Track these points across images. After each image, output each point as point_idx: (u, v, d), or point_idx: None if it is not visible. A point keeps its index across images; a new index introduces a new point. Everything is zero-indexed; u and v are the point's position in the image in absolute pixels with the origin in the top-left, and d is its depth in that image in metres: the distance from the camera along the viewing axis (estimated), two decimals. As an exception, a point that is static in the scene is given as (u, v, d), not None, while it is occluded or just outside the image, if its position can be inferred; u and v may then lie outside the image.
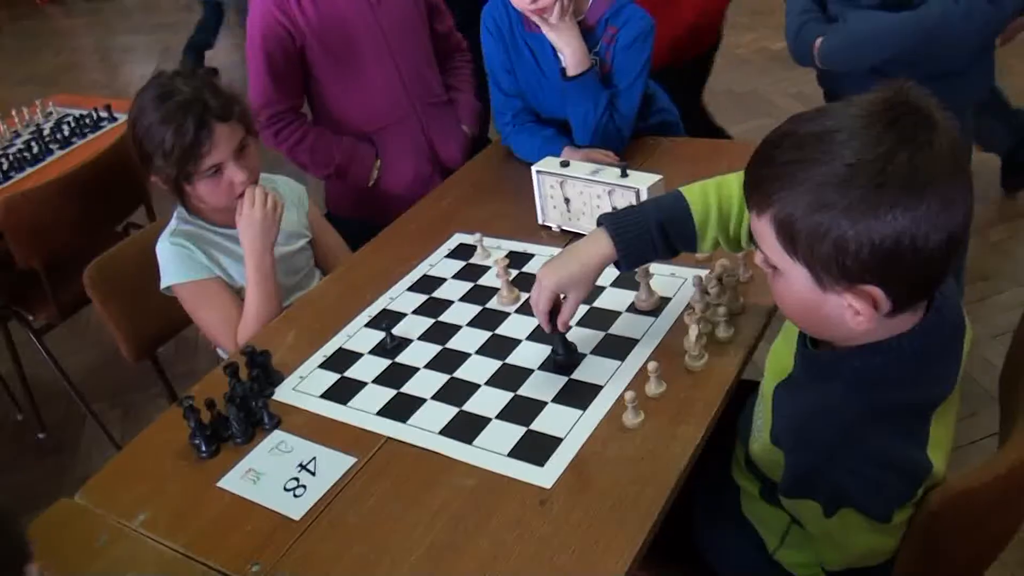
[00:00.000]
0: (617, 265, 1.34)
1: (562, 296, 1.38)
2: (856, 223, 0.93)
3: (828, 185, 0.93)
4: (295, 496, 1.27)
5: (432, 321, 1.59)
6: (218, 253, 1.75)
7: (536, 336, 1.50)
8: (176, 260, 1.71)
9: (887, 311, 0.99)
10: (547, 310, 1.37)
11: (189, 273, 1.71)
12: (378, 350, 1.54)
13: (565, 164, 1.74)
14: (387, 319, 1.58)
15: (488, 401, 1.36)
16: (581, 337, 1.46)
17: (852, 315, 0.99)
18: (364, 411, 1.40)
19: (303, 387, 1.49)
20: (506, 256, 1.64)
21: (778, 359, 1.21)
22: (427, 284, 1.70)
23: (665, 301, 1.51)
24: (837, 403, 1.04)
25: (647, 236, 1.32)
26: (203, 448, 1.37)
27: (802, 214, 0.95)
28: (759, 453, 1.22)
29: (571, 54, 1.89)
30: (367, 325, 1.61)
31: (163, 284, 1.73)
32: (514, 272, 1.67)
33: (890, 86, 0.96)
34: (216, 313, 1.71)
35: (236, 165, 1.67)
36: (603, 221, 1.35)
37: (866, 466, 1.03)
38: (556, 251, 1.69)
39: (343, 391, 1.46)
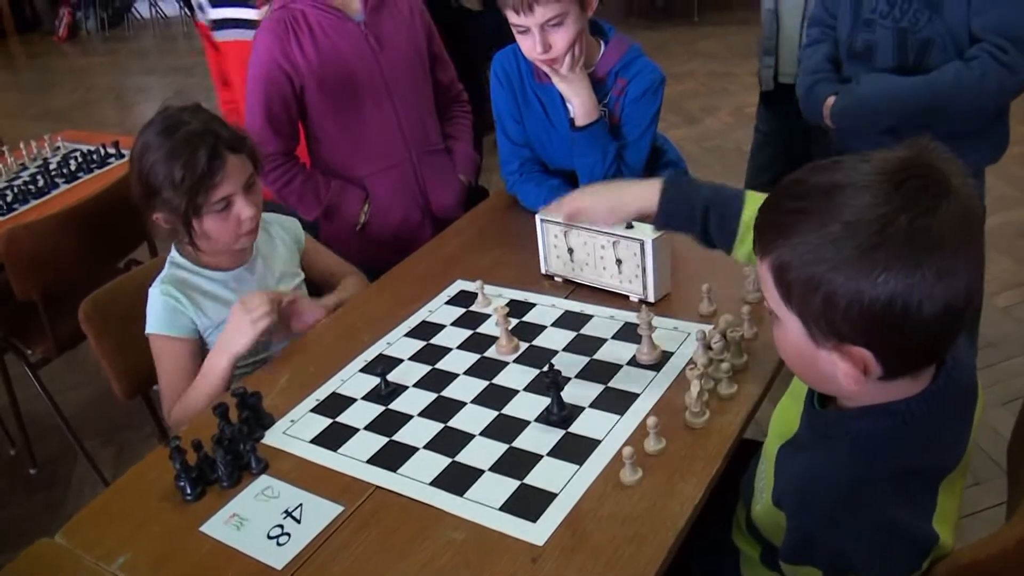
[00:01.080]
0: (653, 220, 1.40)
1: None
2: (848, 281, 0.91)
3: (824, 240, 0.92)
4: (278, 544, 1.24)
5: (428, 368, 1.57)
6: (206, 300, 1.73)
7: (534, 387, 1.48)
8: (161, 311, 1.70)
9: (879, 376, 0.97)
10: (564, 213, 1.49)
11: (166, 328, 1.70)
12: (372, 396, 1.52)
13: None
14: (383, 364, 1.56)
15: (482, 452, 1.34)
16: (580, 390, 1.45)
17: (843, 375, 0.97)
18: (354, 458, 1.38)
19: (293, 431, 1.47)
20: (506, 304, 1.63)
21: (784, 418, 1.18)
22: (425, 330, 1.69)
23: (667, 355, 1.50)
24: (841, 465, 1.01)
25: (690, 206, 1.35)
26: (188, 491, 1.35)
27: (797, 265, 0.94)
28: (761, 516, 1.19)
29: (580, 104, 1.89)
30: (362, 370, 1.60)
31: (147, 329, 1.72)
32: (514, 321, 1.66)
33: (912, 145, 0.94)
34: (167, 376, 1.71)
35: (245, 199, 1.66)
36: (664, 176, 1.42)
37: (870, 533, 1.00)
38: (558, 301, 1.71)
39: (334, 437, 1.44)
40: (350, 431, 1.44)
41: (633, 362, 1.50)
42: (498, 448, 1.35)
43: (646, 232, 1.62)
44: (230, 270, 1.77)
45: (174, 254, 1.76)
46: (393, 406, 1.49)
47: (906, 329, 0.91)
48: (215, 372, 1.63)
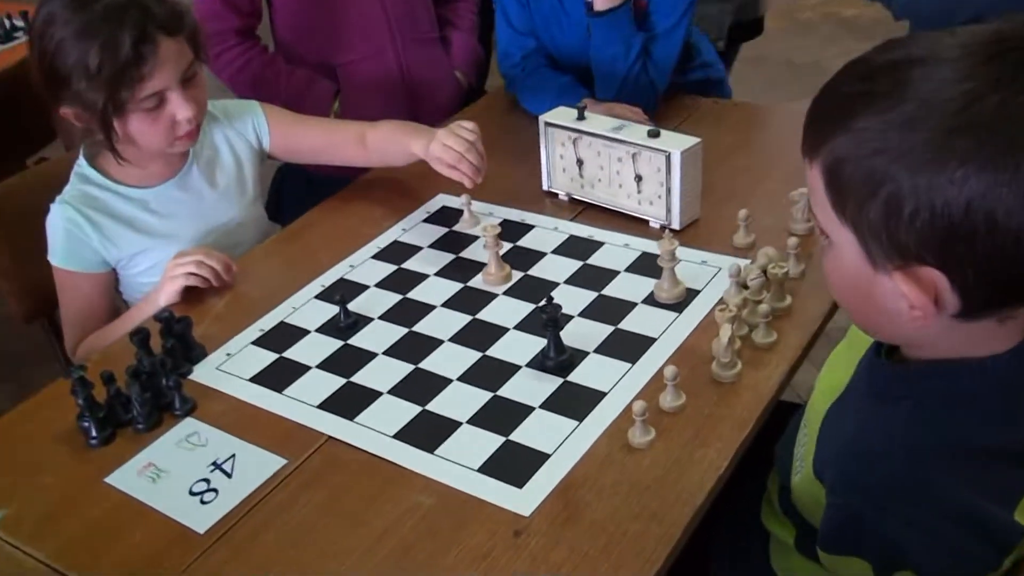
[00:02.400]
0: None
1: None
2: (915, 177, 0.84)
3: (889, 125, 0.85)
4: (203, 502, 1.22)
5: (399, 298, 1.56)
6: (118, 226, 1.66)
7: (527, 326, 1.46)
8: (62, 239, 1.64)
9: (955, 311, 0.90)
10: None
11: (65, 261, 1.65)
12: (328, 328, 1.51)
13: (582, 115, 1.70)
14: (343, 291, 1.54)
15: (459, 401, 1.33)
16: (585, 331, 1.43)
17: (907, 308, 0.91)
18: (303, 402, 1.37)
19: (229, 366, 1.45)
20: (498, 225, 1.59)
21: (837, 370, 1.13)
22: (397, 252, 1.68)
23: (692, 294, 1.48)
24: (900, 432, 0.96)
25: None
26: (93, 433, 1.32)
27: (854, 158, 0.88)
28: (800, 489, 1.16)
29: (601, -18, 1.86)
30: (318, 296, 1.59)
31: (49, 256, 1.67)
32: (507, 245, 1.64)
33: (1012, 17, 0.87)
34: (70, 314, 1.68)
35: (182, 96, 1.57)
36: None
37: (932, 520, 0.95)
38: (562, 224, 1.69)
39: (279, 375, 1.42)
40: (299, 369, 1.43)
41: (650, 300, 1.48)
42: (480, 397, 1.33)
43: (674, 142, 1.59)
44: (152, 186, 1.70)
45: (82, 164, 1.68)
46: (353, 341, 1.47)
47: (990, 245, 0.83)
48: (136, 322, 1.57)
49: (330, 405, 1.35)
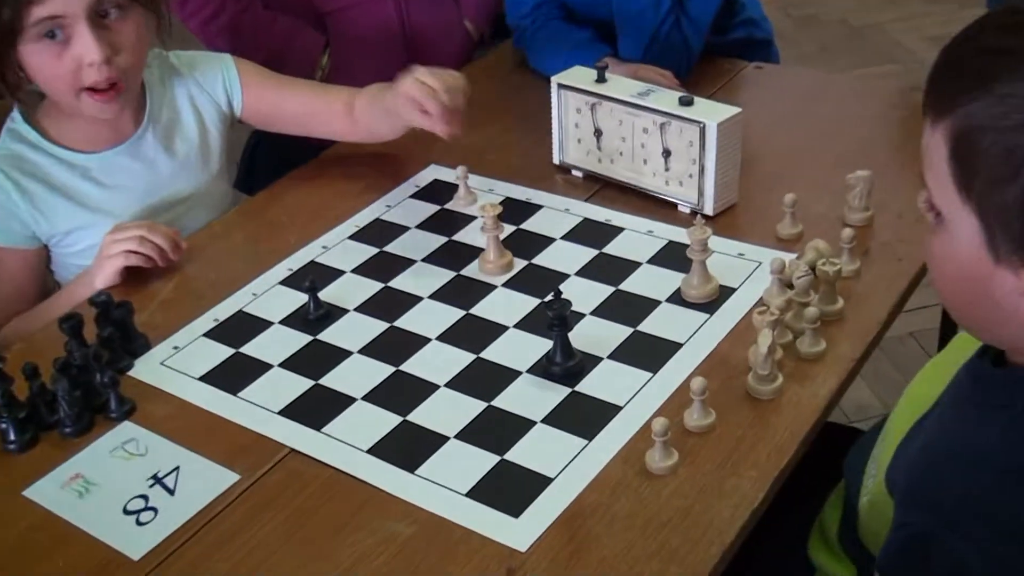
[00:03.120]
0: None
1: None
2: None
3: None
4: (139, 523, 1.21)
5: (379, 287, 1.56)
6: (52, 196, 1.64)
7: (530, 324, 1.45)
8: None
9: None
10: None
11: None
12: (295, 320, 1.51)
13: (601, 77, 1.69)
14: (313, 276, 1.53)
15: (447, 412, 1.33)
16: (598, 333, 1.42)
17: None
18: (262, 407, 1.37)
19: (176, 362, 1.45)
20: (499, 204, 1.58)
21: (930, 383, 1.14)
22: (379, 232, 1.68)
23: (726, 293, 1.48)
24: (995, 445, 0.96)
25: None
26: (12, 436, 1.31)
27: (992, 129, 0.87)
28: (869, 513, 1.16)
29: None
30: (284, 282, 1.59)
31: None
32: (509, 229, 1.63)
33: None
34: None
35: (92, 35, 1.50)
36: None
37: (1015, 552, 0.94)
38: (575, 205, 1.71)
39: (235, 374, 1.42)
40: (259, 368, 1.43)
41: (677, 298, 1.48)
42: (471, 407, 1.33)
43: (710, 112, 1.58)
44: (97, 151, 1.67)
45: (15, 118, 1.66)
46: (324, 337, 1.47)
47: None
48: (69, 305, 1.55)
49: (294, 411, 1.35)
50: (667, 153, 1.63)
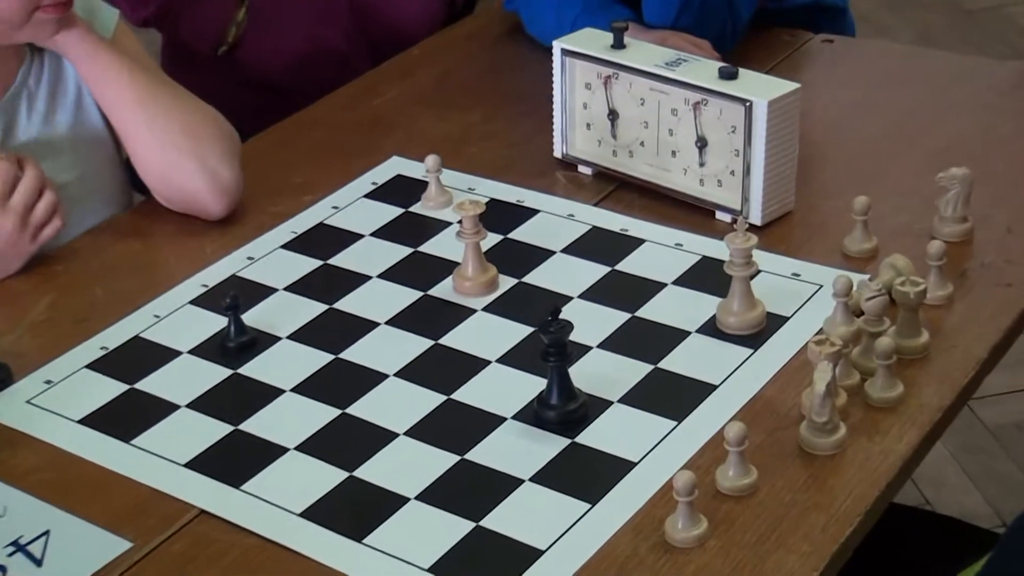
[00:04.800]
0: None
1: None
2: None
3: None
4: None
5: (322, 308, 1.58)
6: None
7: (519, 357, 1.47)
8: None
9: None
10: None
11: None
12: (210, 350, 1.52)
13: (619, 42, 1.71)
14: (236, 294, 1.53)
15: (407, 466, 1.33)
16: (607, 370, 1.44)
17: None
18: (163, 457, 1.37)
19: (49, 400, 1.46)
20: (482, 204, 1.58)
21: None
22: (323, 240, 1.70)
23: (776, 322, 1.50)
24: None
25: None
26: None
27: None
28: None
29: None
30: (196, 302, 1.61)
31: None
32: (494, 238, 1.65)
33: None
34: None
35: None
36: None
37: None
38: (580, 210, 1.71)
39: (127, 417, 1.43)
40: (161, 409, 1.44)
41: (711, 329, 1.49)
42: (439, 462, 1.33)
43: (757, 87, 1.59)
44: None
45: None
46: (248, 370, 1.49)
47: None
48: None
49: (206, 464, 1.35)
50: (702, 143, 1.64)
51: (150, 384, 1.47)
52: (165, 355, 1.51)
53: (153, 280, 1.63)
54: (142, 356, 1.51)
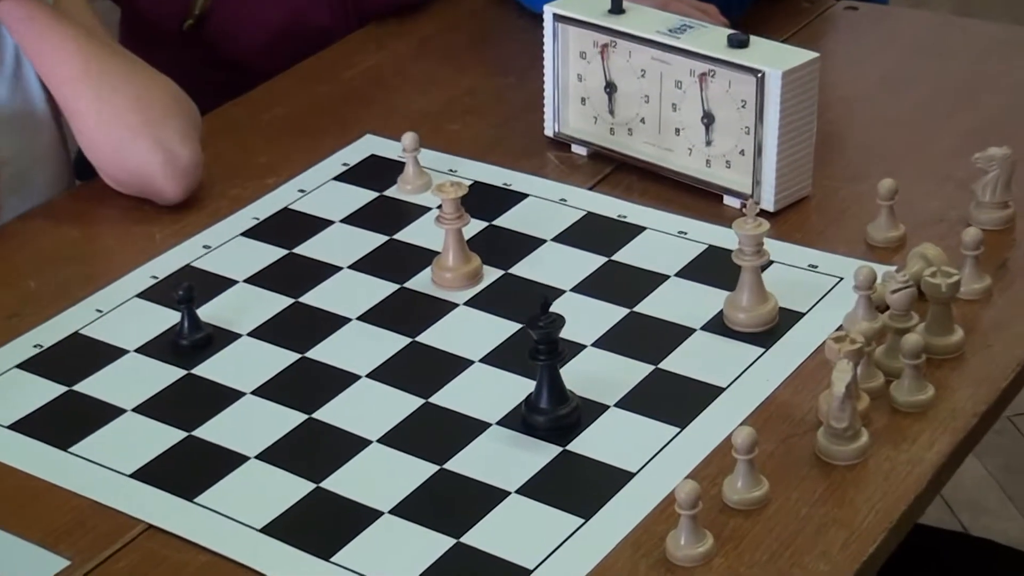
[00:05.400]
0: None
1: None
2: None
3: None
4: None
5: (287, 302, 1.59)
6: None
7: (504, 357, 1.48)
8: None
9: None
10: None
11: None
12: (161, 348, 1.53)
13: (617, 7, 1.71)
14: (190, 285, 1.53)
15: (381, 477, 1.34)
16: (603, 371, 1.45)
17: None
18: (106, 467, 1.37)
19: None
20: (465, 186, 1.58)
21: None
22: (287, 227, 1.72)
23: (790, 318, 1.50)
24: None
25: None
26: None
27: None
28: None
29: None
30: (144, 295, 1.61)
31: None
32: (478, 224, 1.67)
33: None
34: None
35: None
36: None
37: None
38: (573, 194, 1.72)
39: (66, 422, 1.43)
40: (104, 413, 1.44)
41: (718, 325, 1.50)
42: (416, 472, 1.33)
43: (771, 56, 1.60)
44: None
45: None
46: (204, 370, 1.49)
47: None
48: None
49: (155, 474, 1.35)
50: (709, 119, 1.65)
51: (91, 386, 1.47)
52: (109, 354, 1.51)
53: (95, 271, 1.64)
54: (82, 355, 1.52)
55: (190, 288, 1.51)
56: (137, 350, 1.52)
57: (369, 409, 1.42)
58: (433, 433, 1.39)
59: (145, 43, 2.16)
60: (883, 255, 1.57)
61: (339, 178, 1.78)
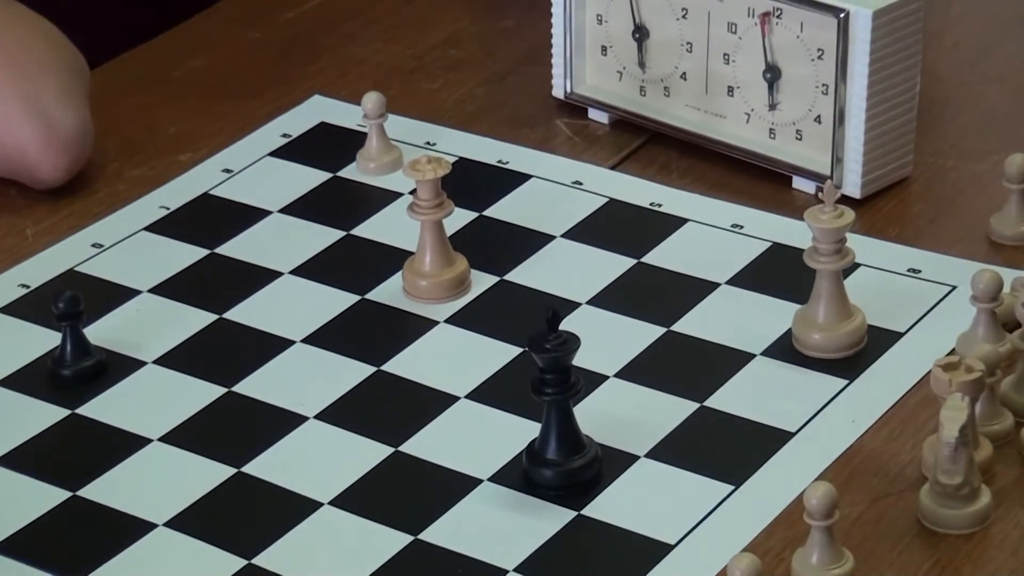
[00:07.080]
0: None
1: None
2: None
3: None
4: None
5: (210, 319, 1.61)
6: None
7: (498, 391, 1.49)
8: None
9: None
10: None
11: None
12: (34, 379, 1.54)
13: None
14: (75, 295, 1.53)
15: (335, 550, 1.33)
16: (632, 409, 1.46)
17: None
18: None
19: None
20: (444, 164, 1.59)
21: None
22: (208, 219, 1.75)
23: (883, 338, 1.52)
24: None
25: None
26: None
27: None
28: None
29: None
30: (9, 309, 1.64)
31: None
32: (465, 216, 1.69)
33: None
34: None
35: None
36: None
37: None
38: (591, 173, 1.75)
39: None
40: None
41: (782, 350, 1.52)
42: (383, 544, 1.32)
43: None
44: None
45: None
46: (92, 410, 1.49)
47: None
48: None
49: (28, 546, 1.34)
50: (773, 74, 1.67)
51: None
52: (-36, 387, 1.52)
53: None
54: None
55: (74, 300, 1.52)
56: (1, 383, 1.53)
57: (319, 461, 1.42)
58: (404, 492, 1.39)
59: None
60: (1012, 256, 1.58)
61: (277, 153, 1.80)
